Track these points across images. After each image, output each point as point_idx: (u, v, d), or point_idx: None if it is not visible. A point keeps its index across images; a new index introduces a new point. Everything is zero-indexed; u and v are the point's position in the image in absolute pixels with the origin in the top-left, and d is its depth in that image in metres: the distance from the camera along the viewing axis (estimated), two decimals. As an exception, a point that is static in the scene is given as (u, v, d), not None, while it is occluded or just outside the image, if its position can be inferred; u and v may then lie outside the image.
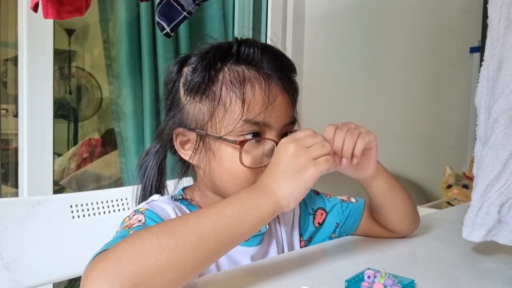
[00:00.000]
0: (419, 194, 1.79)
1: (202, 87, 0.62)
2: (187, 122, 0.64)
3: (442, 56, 1.80)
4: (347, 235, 0.76)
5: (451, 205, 1.42)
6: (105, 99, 2.40)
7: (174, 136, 0.65)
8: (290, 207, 0.53)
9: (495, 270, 0.59)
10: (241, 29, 2.18)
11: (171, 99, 0.66)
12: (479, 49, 1.67)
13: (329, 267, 0.59)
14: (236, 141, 0.59)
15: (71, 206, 0.87)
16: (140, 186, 0.69)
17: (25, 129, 1.45)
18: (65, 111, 2.37)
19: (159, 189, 0.69)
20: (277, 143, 0.60)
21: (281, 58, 0.65)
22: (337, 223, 0.75)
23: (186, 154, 0.65)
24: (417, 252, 0.68)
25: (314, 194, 0.78)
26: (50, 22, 1.45)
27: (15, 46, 1.51)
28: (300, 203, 0.74)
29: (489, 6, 0.57)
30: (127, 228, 0.56)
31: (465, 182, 1.42)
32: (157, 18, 1.30)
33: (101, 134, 2.42)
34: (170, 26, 1.30)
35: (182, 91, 0.65)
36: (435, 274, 0.57)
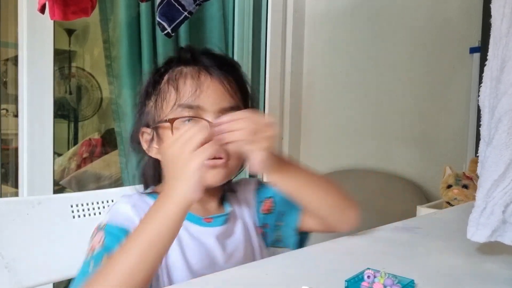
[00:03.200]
0: (419, 194, 1.79)
1: (151, 89, 0.72)
2: (147, 121, 0.73)
3: (442, 56, 1.81)
4: (293, 227, 0.77)
5: (451, 205, 1.42)
6: (105, 99, 2.40)
7: (140, 136, 0.73)
8: (198, 196, 0.57)
9: (495, 270, 0.59)
10: (241, 29, 2.18)
11: (138, 107, 0.76)
12: (479, 49, 1.67)
13: (329, 267, 0.59)
14: (166, 119, 0.67)
15: (71, 206, 0.87)
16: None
17: (25, 129, 1.45)
18: (65, 111, 2.38)
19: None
20: (210, 123, 0.66)
21: (218, 54, 0.74)
22: (282, 212, 0.78)
23: (150, 150, 0.73)
24: (417, 252, 0.68)
25: (265, 184, 0.82)
26: (50, 22, 1.45)
27: (15, 46, 1.51)
28: (253, 192, 0.81)
29: (491, 6, 0.57)
30: (91, 253, 0.62)
31: (465, 182, 1.42)
32: (158, 19, 1.30)
33: (101, 134, 2.42)
34: (171, 26, 1.30)
35: (144, 99, 0.75)
36: (434, 274, 0.57)
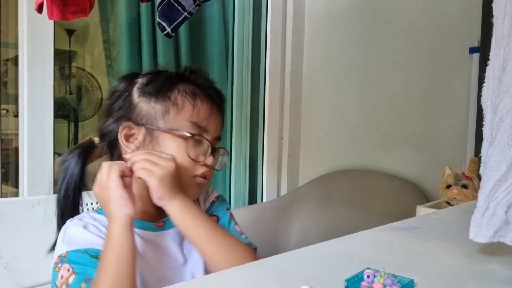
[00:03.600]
0: (419, 194, 1.79)
1: (159, 91, 0.74)
2: (137, 118, 0.74)
3: (441, 56, 1.81)
4: None
5: (451, 205, 1.42)
6: (105, 99, 2.40)
7: (120, 129, 0.74)
8: (130, 209, 0.65)
9: (495, 270, 0.59)
10: (241, 29, 2.18)
11: (121, 102, 0.76)
12: (479, 49, 1.67)
13: (329, 267, 0.59)
14: (190, 133, 0.73)
15: (71, 206, 0.87)
16: (62, 191, 0.75)
17: (26, 129, 1.45)
18: (65, 111, 2.38)
19: (79, 195, 0.76)
20: (212, 147, 0.75)
21: (219, 89, 0.81)
22: None
23: (127, 146, 0.74)
24: (417, 252, 0.68)
25: (223, 205, 0.87)
26: (50, 22, 1.45)
27: (16, 46, 1.51)
28: (208, 201, 0.86)
29: (493, 5, 0.57)
30: (65, 285, 0.64)
31: (464, 182, 1.41)
32: (158, 19, 1.30)
33: (101, 134, 2.41)
34: (171, 27, 1.30)
35: (136, 94, 0.75)
36: (434, 274, 0.57)
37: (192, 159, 0.73)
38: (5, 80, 2.02)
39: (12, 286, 0.78)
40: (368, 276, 0.51)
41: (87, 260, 0.67)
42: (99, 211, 0.75)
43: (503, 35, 0.56)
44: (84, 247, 0.68)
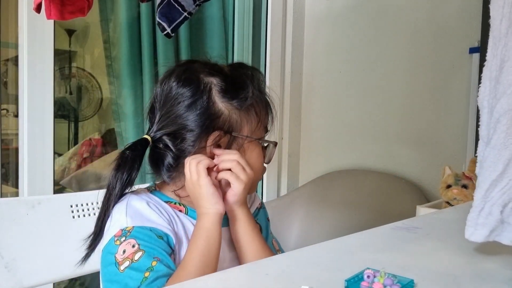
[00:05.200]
0: (419, 194, 1.79)
1: (242, 99, 0.74)
2: (223, 126, 0.73)
3: (441, 56, 1.81)
4: None
5: (451, 205, 1.42)
6: (105, 99, 2.40)
7: (210, 139, 0.72)
8: (221, 206, 0.69)
9: (496, 270, 0.59)
10: (241, 29, 2.18)
11: (199, 110, 0.72)
12: (479, 49, 1.67)
13: (329, 267, 0.59)
14: (275, 142, 0.77)
15: (71, 206, 0.88)
16: (122, 180, 0.72)
17: (26, 129, 1.45)
18: (65, 111, 2.38)
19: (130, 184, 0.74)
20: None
21: None
22: None
23: (209, 149, 0.74)
24: (417, 252, 0.68)
25: (265, 215, 0.89)
26: (50, 22, 1.45)
27: (16, 46, 1.51)
28: (252, 207, 0.85)
29: (491, 6, 0.58)
30: (129, 261, 0.64)
31: (464, 182, 1.42)
32: (157, 19, 1.30)
33: (102, 134, 2.42)
34: (171, 27, 1.30)
35: (218, 101, 0.73)
36: (434, 274, 0.57)
37: (265, 163, 0.78)
38: (5, 80, 2.02)
39: (12, 286, 0.78)
40: (368, 276, 0.51)
41: (153, 240, 0.66)
42: (153, 192, 0.76)
43: (500, 36, 0.56)
44: (149, 225, 0.68)
